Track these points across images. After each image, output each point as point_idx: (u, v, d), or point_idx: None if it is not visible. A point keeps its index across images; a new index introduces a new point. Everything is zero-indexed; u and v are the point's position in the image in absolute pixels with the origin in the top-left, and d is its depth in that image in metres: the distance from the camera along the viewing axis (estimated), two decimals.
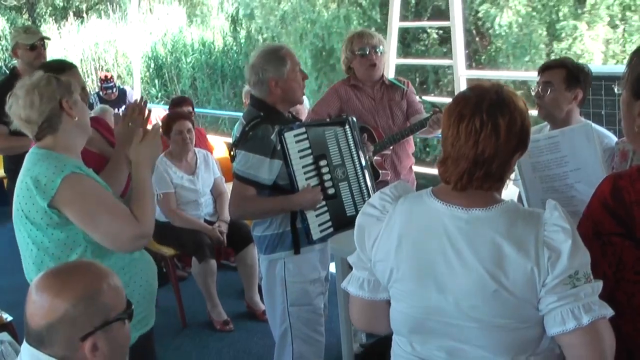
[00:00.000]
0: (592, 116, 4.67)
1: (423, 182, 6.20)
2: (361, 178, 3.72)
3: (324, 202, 3.58)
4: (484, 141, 1.92)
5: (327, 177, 3.59)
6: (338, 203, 3.63)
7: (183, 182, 5.67)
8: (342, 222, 3.63)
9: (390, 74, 6.82)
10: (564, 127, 3.18)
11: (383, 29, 15.69)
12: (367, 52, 4.48)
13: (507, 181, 2.09)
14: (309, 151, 3.53)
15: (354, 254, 2.19)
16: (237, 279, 5.82)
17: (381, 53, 4.53)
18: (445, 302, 1.97)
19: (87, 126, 2.95)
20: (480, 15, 14.30)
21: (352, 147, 3.71)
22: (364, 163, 3.74)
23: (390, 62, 7.05)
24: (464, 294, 1.94)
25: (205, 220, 5.78)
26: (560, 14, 13.42)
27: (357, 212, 3.57)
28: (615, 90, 2.24)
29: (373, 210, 2.12)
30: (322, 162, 3.58)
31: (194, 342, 5.25)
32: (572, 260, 1.87)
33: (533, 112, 3.34)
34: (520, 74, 12.25)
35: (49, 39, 5.24)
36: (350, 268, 2.24)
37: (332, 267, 4.37)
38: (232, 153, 3.59)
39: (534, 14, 13.67)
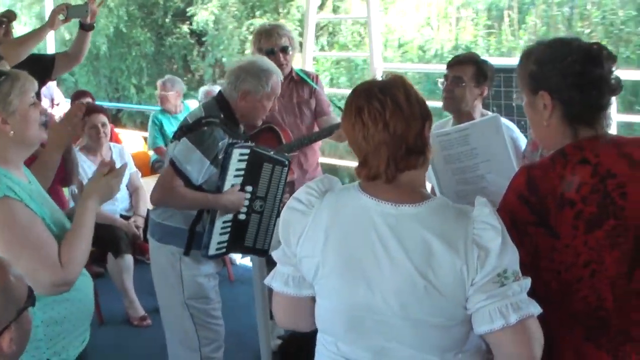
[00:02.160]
0: (504, 108, 4.76)
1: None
2: (273, 217, 3.71)
3: (229, 224, 3.57)
4: (392, 119, 1.92)
5: (245, 203, 3.58)
6: (242, 230, 3.64)
7: None
8: (236, 247, 3.72)
9: (308, 67, 6.84)
10: (467, 120, 3.25)
11: (142, 25, 18.36)
12: (274, 53, 4.37)
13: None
14: (242, 172, 3.52)
15: (278, 249, 2.13)
16: None
17: (291, 49, 4.46)
18: (373, 299, 1.93)
19: (29, 141, 2.62)
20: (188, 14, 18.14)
21: (281, 189, 3.71)
22: (281, 207, 3.71)
23: (307, 55, 7.07)
24: (393, 292, 1.90)
25: (122, 216, 5.73)
26: (258, 12, 17.16)
27: (254, 245, 3.69)
28: (516, 100, 2.30)
29: (299, 204, 2.06)
30: (248, 188, 3.57)
31: (111, 339, 5.16)
32: (501, 258, 1.86)
33: (434, 104, 3.40)
34: (433, 67, 12.77)
35: (13, 13, 5.05)
36: (268, 263, 2.22)
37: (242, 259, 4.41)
38: (177, 133, 3.54)
39: (227, 12, 17.66)
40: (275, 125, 4.40)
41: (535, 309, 1.89)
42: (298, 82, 4.59)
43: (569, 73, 2.06)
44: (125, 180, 5.82)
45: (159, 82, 7.03)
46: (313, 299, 2.09)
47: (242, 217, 3.60)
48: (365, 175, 1.99)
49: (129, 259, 5.38)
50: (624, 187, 2.04)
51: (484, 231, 1.88)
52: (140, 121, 16.43)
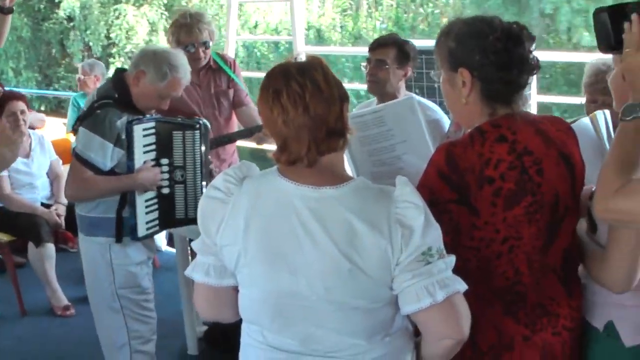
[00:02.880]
0: (427, 89, 4.82)
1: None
2: (198, 183, 3.63)
3: (155, 200, 3.51)
4: (312, 100, 1.87)
5: (165, 176, 3.50)
6: (169, 204, 3.57)
7: (17, 165, 5.42)
8: (169, 222, 3.64)
9: (230, 51, 6.79)
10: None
11: (18, 11, 18.38)
12: (194, 49, 4.21)
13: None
14: (154, 147, 3.44)
15: (198, 239, 2.06)
16: (79, 262, 5.65)
17: (211, 42, 4.31)
18: (297, 286, 1.88)
19: None
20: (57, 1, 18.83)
21: (197, 152, 3.60)
22: (204, 170, 3.67)
23: (230, 39, 7.02)
24: (317, 276, 1.86)
25: (42, 204, 5.62)
26: None
27: (186, 215, 3.61)
28: (434, 75, 2.31)
29: (217, 192, 1.98)
30: (164, 161, 3.49)
31: (34, 330, 5.08)
32: (425, 236, 1.85)
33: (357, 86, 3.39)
34: (355, 50, 13.00)
35: None
36: (192, 250, 2.16)
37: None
38: (75, 127, 3.44)
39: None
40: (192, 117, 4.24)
41: (461, 285, 1.89)
42: (215, 71, 4.44)
43: (490, 51, 2.06)
44: (45, 167, 5.73)
45: (79, 66, 6.94)
46: (235, 289, 2.04)
47: (165, 191, 3.53)
48: (285, 160, 1.94)
49: (50, 247, 5.28)
50: (540, 163, 2.07)
51: (407, 210, 1.86)
52: None
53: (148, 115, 3.47)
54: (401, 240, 1.84)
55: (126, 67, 3.55)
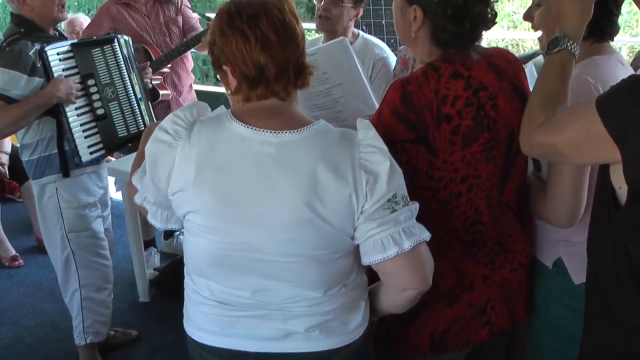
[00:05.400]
0: (374, 26, 4.76)
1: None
2: (132, 97, 3.63)
3: (94, 124, 3.48)
4: (291, 29, 1.80)
5: (95, 97, 3.49)
6: (109, 124, 3.54)
7: None
8: (114, 143, 3.60)
9: None
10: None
11: None
12: None
13: None
14: (76, 70, 3.43)
15: (146, 176, 1.92)
16: (25, 211, 5.56)
17: None
18: (256, 238, 1.79)
19: None
20: None
21: (122, 66, 3.60)
22: (136, 83, 3.66)
23: None
24: (278, 227, 1.77)
25: None
26: None
27: (128, 132, 3.59)
28: None
29: (165, 135, 1.82)
30: (90, 82, 3.48)
31: None
32: (390, 183, 1.77)
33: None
34: None
35: None
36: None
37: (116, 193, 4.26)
38: None
39: None
40: (144, 44, 4.37)
41: (426, 234, 1.84)
42: (163, 2, 4.54)
43: (450, 4, 1.97)
44: None
45: None
46: None
47: (100, 112, 3.52)
48: (259, 94, 1.83)
49: None
50: (495, 98, 2.03)
51: (372, 155, 1.78)
52: None
53: (62, 42, 3.45)
54: (366, 187, 1.76)
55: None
